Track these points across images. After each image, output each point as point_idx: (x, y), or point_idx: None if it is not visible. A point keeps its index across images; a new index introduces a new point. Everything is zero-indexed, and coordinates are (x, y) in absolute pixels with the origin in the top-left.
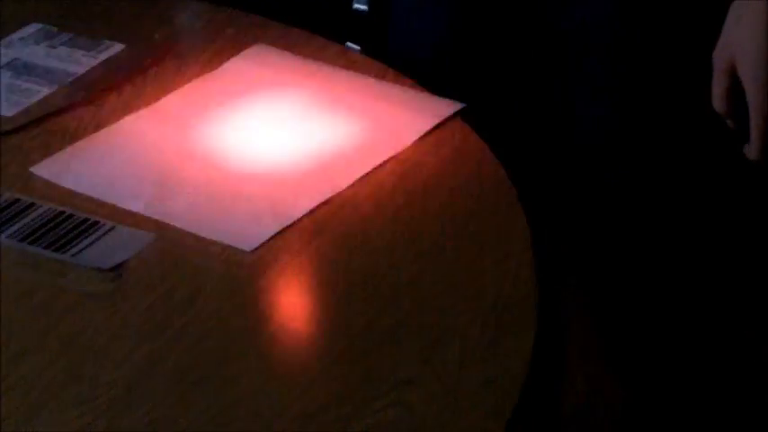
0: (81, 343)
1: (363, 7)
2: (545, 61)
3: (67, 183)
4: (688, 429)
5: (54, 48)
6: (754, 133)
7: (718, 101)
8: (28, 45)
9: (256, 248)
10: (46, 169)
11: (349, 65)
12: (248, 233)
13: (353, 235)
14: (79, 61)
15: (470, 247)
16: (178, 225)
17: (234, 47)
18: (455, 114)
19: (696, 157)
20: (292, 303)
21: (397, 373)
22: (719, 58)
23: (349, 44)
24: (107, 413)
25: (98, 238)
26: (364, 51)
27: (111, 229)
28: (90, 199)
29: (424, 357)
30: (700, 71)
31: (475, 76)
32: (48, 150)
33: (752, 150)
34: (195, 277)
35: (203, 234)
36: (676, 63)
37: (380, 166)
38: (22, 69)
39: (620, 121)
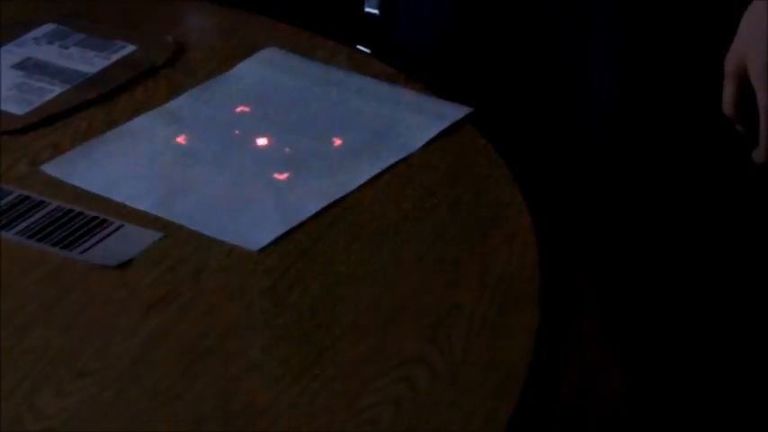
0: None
1: (375, 11)
2: (549, 62)
3: (77, 181)
4: (686, 422)
5: (66, 48)
6: (763, 136)
7: (727, 104)
8: (41, 45)
9: (263, 248)
10: (56, 167)
11: (359, 67)
12: (255, 233)
13: (360, 236)
14: (91, 61)
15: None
16: (185, 224)
17: (245, 49)
18: (463, 117)
19: (701, 156)
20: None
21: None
22: (730, 61)
23: (359, 47)
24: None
25: (106, 236)
26: (375, 54)
27: (120, 227)
28: (99, 197)
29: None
30: (706, 71)
31: (478, 76)
32: (58, 149)
33: (760, 154)
34: (200, 275)
35: (210, 233)
36: (681, 64)
37: (388, 168)
38: (35, 69)
39: (625, 120)
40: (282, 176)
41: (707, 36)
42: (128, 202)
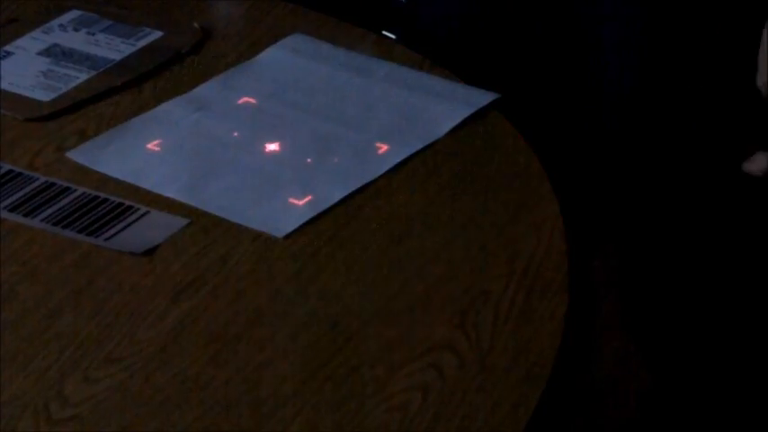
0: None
1: None
2: (566, 50)
3: (103, 167)
4: (710, 410)
5: (93, 34)
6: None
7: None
8: (67, 31)
9: (289, 235)
10: (81, 154)
11: (385, 54)
12: (281, 219)
13: (386, 223)
14: (118, 48)
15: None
16: (212, 211)
17: (271, 35)
18: (489, 103)
19: (716, 145)
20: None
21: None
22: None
23: (385, 33)
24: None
25: (132, 223)
26: (400, 40)
27: (145, 213)
28: (124, 184)
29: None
30: (720, 59)
31: (503, 62)
32: (84, 135)
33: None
34: (227, 261)
35: (236, 220)
36: (695, 52)
37: (415, 154)
38: (61, 55)
39: (638, 109)
40: (308, 163)
41: (721, 25)
42: (154, 189)
